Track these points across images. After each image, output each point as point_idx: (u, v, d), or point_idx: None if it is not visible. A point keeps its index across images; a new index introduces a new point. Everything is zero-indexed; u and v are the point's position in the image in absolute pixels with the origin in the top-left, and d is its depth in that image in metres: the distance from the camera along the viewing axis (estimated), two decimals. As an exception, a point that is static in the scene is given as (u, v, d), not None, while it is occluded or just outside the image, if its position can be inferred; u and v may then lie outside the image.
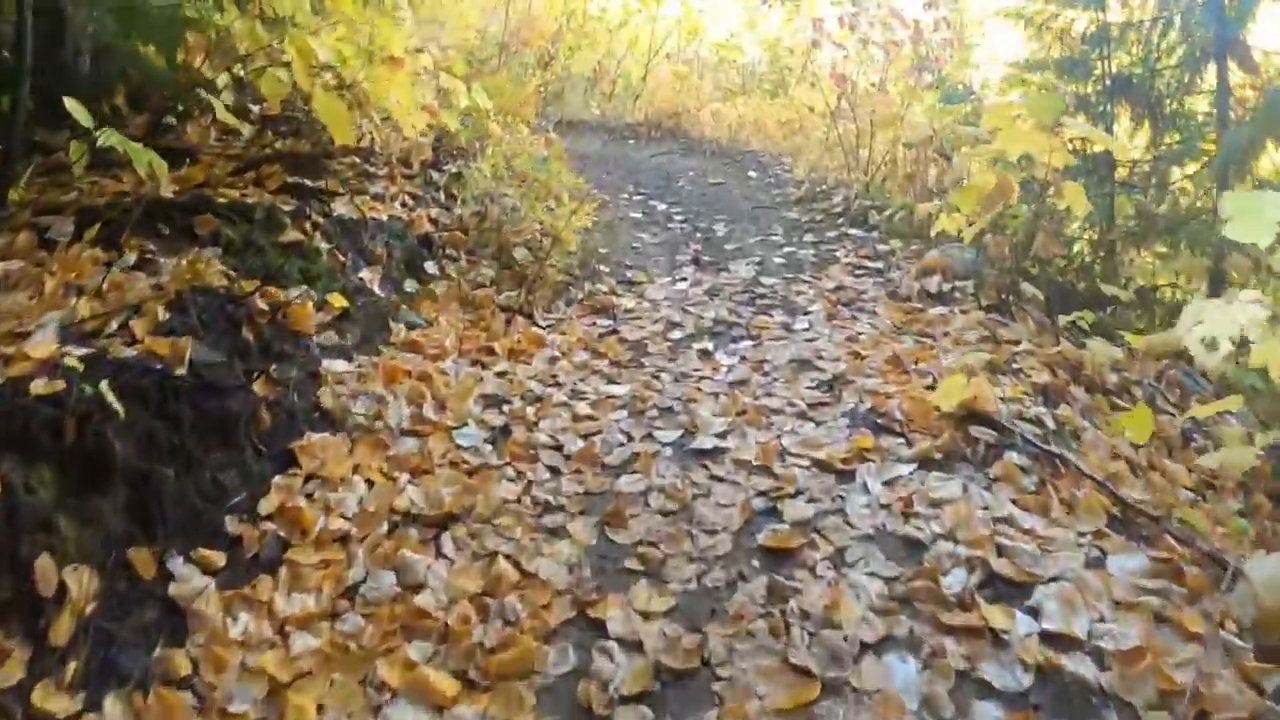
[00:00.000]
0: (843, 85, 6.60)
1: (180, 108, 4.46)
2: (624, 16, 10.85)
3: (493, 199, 5.58)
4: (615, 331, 4.00)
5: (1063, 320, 4.48)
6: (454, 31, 12.03)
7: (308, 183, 4.08)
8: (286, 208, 3.76)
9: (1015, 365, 3.70)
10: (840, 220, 5.81)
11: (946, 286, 4.66)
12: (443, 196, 5.23)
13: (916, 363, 3.55)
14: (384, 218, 4.37)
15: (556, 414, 3.14)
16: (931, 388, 3.31)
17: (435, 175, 5.45)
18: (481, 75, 8.59)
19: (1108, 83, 6.07)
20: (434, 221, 4.76)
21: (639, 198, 6.85)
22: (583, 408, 3.18)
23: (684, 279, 4.81)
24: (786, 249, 5.34)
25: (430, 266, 4.37)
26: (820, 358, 3.64)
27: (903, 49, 6.74)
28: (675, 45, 11.03)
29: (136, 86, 4.45)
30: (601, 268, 4.90)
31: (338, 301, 3.47)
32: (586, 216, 4.82)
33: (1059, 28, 6.60)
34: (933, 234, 5.01)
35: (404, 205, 4.82)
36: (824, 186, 6.42)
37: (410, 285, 4.15)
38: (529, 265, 4.58)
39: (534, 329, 3.98)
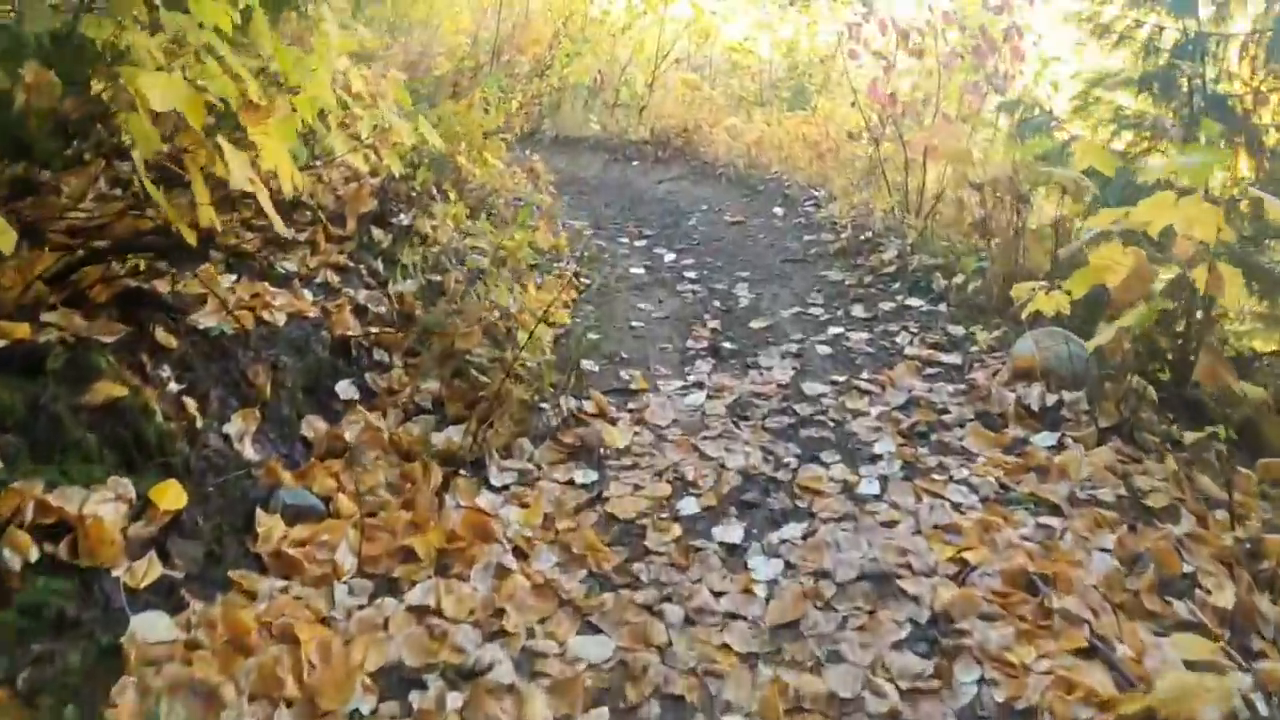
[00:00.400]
0: (892, 105, 5.27)
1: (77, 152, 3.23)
2: (628, 19, 9.51)
3: (454, 259, 4.32)
4: (600, 499, 2.71)
5: (1191, 436, 3.19)
6: (445, 36, 10.81)
7: (157, 286, 2.81)
8: (108, 339, 2.49)
9: (1185, 562, 2.41)
10: (895, 284, 4.49)
11: (1051, 399, 3.35)
12: (382, 266, 3.95)
13: (1053, 583, 2.25)
14: (282, 319, 3.09)
15: (494, 714, 1.87)
16: (1085, 652, 2.02)
17: (378, 233, 4.17)
18: (459, 93, 7.34)
19: (1197, 103, 4.76)
20: (361, 311, 3.47)
21: (642, 243, 5.54)
22: (538, 700, 1.90)
23: (698, 383, 3.51)
24: (832, 329, 4.03)
25: (345, 389, 3.08)
26: (907, 565, 2.34)
27: (959, 61, 5.39)
28: (685, 49, 9.67)
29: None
30: (588, 365, 3.61)
31: (168, 499, 2.20)
32: (566, 309, 3.52)
33: (1143, 38, 5.28)
34: (1023, 315, 3.70)
35: (323, 288, 3.55)
36: (869, 233, 5.09)
37: (310, 428, 2.87)
38: (489, 372, 3.29)
39: (483, 496, 2.69)
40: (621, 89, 9.49)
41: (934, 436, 3.09)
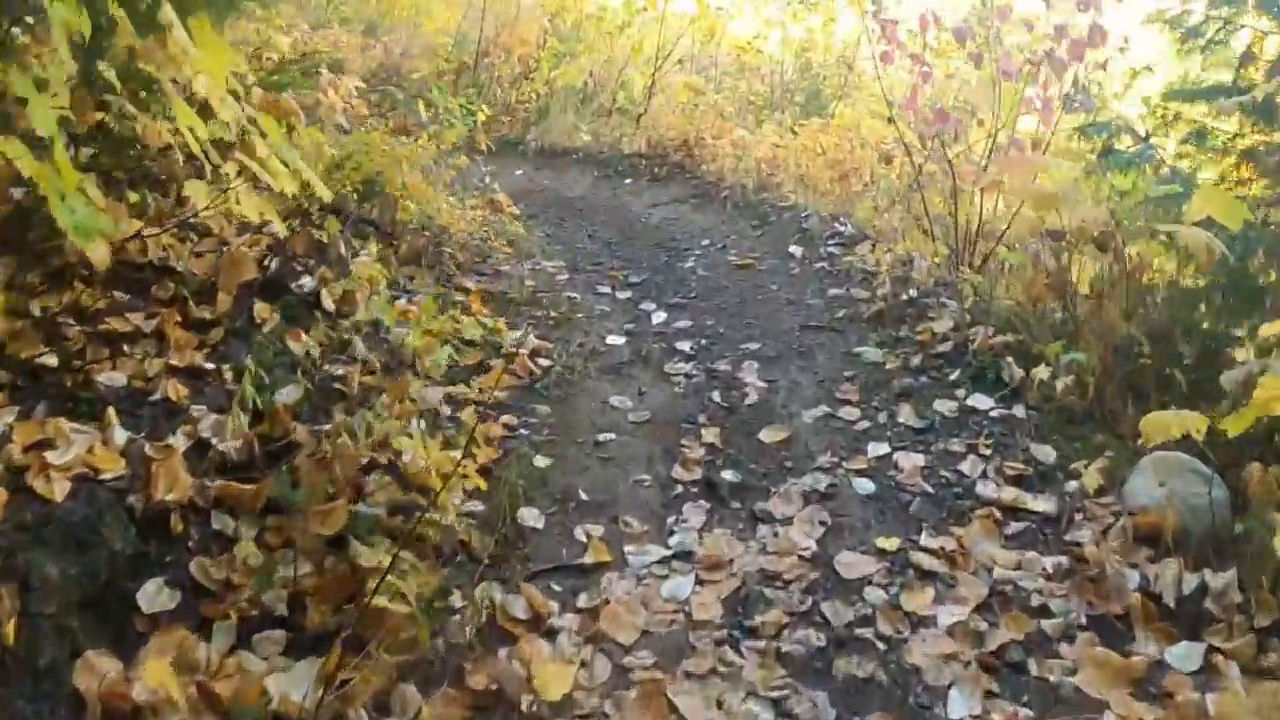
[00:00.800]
0: (942, 123, 4.17)
1: None
2: (627, 16, 8.41)
3: (368, 339, 3.28)
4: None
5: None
6: (428, 35, 9.77)
7: None
8: None
9: None
10: (953, 370, 3.39)
11: (1191, 582, 2.28)
12: (258, 364, 2.90)
13: None
14: (63, 490, 2.07)
15: None
16: None
17: (263, 309, 3.14)
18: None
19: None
20: (202, 448, 2.43)
21: (626, 294, 4.46)
22: None
23: (685, 552, 2.44)
24: (873, 446, 2.93)
25: (154, 596, 2.04)
26: None
27: (1023, 69, 4.28)
28: (688, 49, 8.57)
29: None
30: (528, 518, 2.56)
31: None
32: (476, 470, 2.45)
33: (1240, 46, 4.23)
34: (1146, 441, 2.63)
35: (159, 411, 2.53)
36: (914, 291, 3.99)
37: (86, 675, 1.83)
38: (377, 545, 2.26)
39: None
40: (618, 92, 8.41)
41: (1034, 668, 2.02)
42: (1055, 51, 4.03)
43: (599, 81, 8.50)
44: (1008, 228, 4.19)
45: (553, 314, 4.06)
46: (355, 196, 4.17)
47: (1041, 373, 3.13)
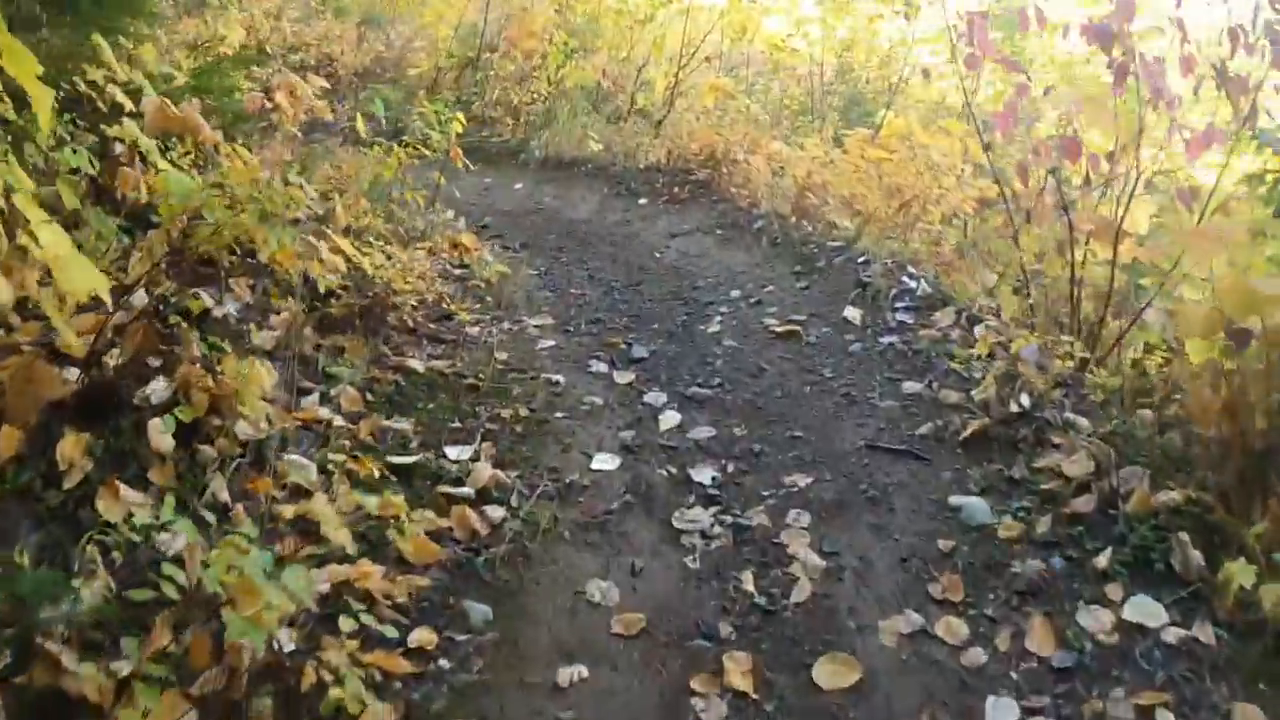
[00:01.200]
0: (1074, 157, 3.06)
1: None
2: (649, 9, 7.31)
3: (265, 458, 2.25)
4: None
5: None
6: (431, 27, 8.81)
7: None
8: None
9: None
10: (1098, 548, 2.24)
11: None
12: (36, 550, 1.87)
13: None
14: None
15: None
16: None
17: (69, 447, 2.11)
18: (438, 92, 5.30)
19: None
20: None
21: (628, 375, 3.35)
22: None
23: None
24: (993, 705, 1.81)
25: None
26: None
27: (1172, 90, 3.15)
28: (717, 46, 7.46)
29: None
30: None
31: None
32: None
33: None
34: None
35: None
36: (1026, 397, 2.86)
37: None
38: None
39: None
40: (637, 94, 7.31)
41: None
42: (1225, 69, 2.90)
43: (615, 81, 7.42)
44: (1148, 304, 3.08)
45: (523, 413, 3.00)
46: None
47: (1239, 572, 2.02)
